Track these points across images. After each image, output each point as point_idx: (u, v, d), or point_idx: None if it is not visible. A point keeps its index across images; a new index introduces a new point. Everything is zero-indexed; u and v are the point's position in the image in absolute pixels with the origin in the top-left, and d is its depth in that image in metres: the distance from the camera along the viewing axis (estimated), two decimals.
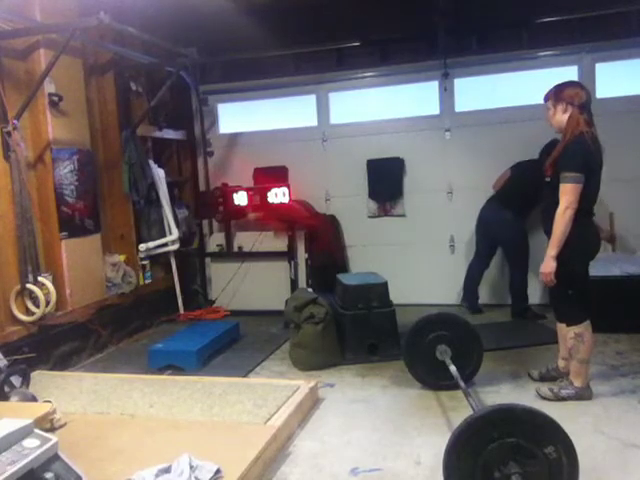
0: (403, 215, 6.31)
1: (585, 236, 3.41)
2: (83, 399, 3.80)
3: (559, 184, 3.34)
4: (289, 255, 6.17)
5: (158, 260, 6.20)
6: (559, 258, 3.35)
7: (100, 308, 5.20)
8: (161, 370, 4.55)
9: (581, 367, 3.55)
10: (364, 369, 4.41)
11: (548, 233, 3.50)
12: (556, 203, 3.35)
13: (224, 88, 6.73)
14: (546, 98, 3.53)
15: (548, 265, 3.37)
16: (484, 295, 6.08)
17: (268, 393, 3.66)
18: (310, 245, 6.21)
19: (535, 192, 4.74)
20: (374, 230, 6.39)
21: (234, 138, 6.79)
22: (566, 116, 3.41)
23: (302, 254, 6.20)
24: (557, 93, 3.46)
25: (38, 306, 4.45)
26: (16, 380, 3.66)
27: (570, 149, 3.34)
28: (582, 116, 3.37)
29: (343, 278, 5.01)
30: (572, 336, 3.50)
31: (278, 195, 5.97)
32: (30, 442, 2.36)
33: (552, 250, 3.36)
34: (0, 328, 4.34)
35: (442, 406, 3.63)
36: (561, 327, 3.71)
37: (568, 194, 3.29)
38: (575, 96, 3.39)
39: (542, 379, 3.86)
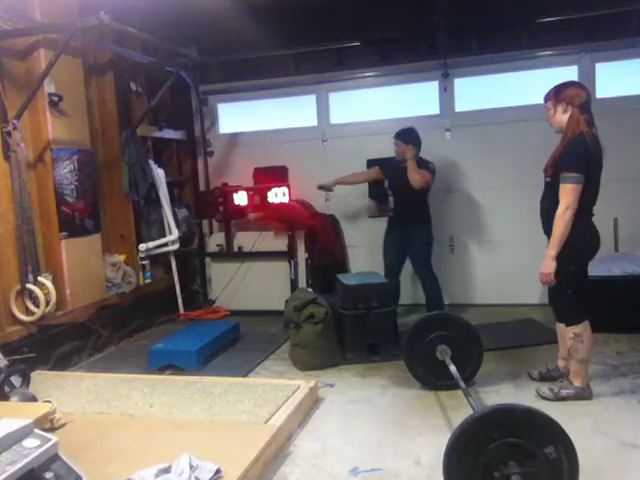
0: None
1: (584, 236, 3.40)
2: (83, 399, 3.81)
3: (559, 184, 3.34)
4: (289, 255, 6.17)
5: (158, 260, 6.19)
6: (558, 258, 3.35)
7: (100, 308, 5.20)
8: (161, 370, 4.55)
9: (581, 367, 3.55)
10: (364, 369, 4.41)
11: (547, 233, 3.50)
12: (556, 203, 3.35)
13: (224, 88, 6.73)
14: (546, 98, 3.53)
15: (548, 265, 3.37)
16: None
17: (268, 393, 3.67)
18: (310, 245, 6.21)
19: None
20: (374, 230, 6.38)
21: (234, 138, 6.79)
22: (566, 116, 3.40)
23: (302, 254, 6.20)
24: (557, 93, 3.45)
25: (38, 306, 4.45)
26: (16, 380, 3.65)
27: (571, 149, 3.34)
28: (582, 116, 3.37)
29: (343, 278, 5.01)
30: (571, 336, 3.51)
31: (278, 195, 5.97)
32: (30, 442, 2.36)
33: (552, 250, 3.36)
34: (0, 328, 4.34)
35: (442, 406, 3.63)
36: (560, 327, 3.71)
37: (568, 194, 3.29)
38: (575, 96, 3.39)
39: (542, 379, 3.86)
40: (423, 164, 5.35)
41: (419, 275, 5.55)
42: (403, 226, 5.39)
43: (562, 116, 3.42)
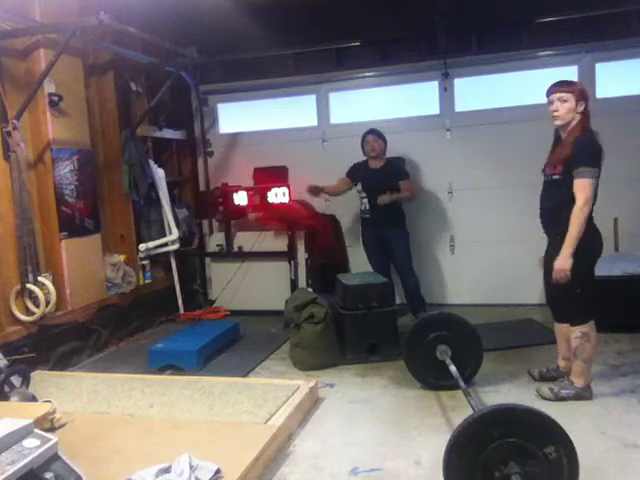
0: None
1: (591, 236, 3.40)
2: (83, 399, 3.81)
3: (568, 181, 3.33)
4: (289, 255, 6.16)
5: (158, 260, 6.19)
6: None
7: (100, 308, 5.19)
8: (161, 370, 4.55)
9: (585, 366, 3.54)
10: (364, 369, 4.41)
11: (549, 232, 3.50)
12: (563, 201, 3.34)
13: (224, 88, 6.73)
14: (565, 89, 3.43)
15: (565, 262, 3.32)
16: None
17: (268, 393, 3.67)
18: (310, 245, 6.21)
19: None
20: None
21: (234, 138, 6.79)
22: (579, 114, 3.40)
23: (302, 254, 6.20)
24: (581, 89, 3.44)
25: (38, 306, 4.45)
26: (16, 380, 3.65)
27: (584, 145, 3.33)
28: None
29: (343, 278, 5.01)
30: (578, 335, 3.49)
31: (278, 195, 5.96)
32: (30, 442, 2.36)
33: (569, 247, 3.31)
34: (0, 328, 4.35)
35: (442, 406, 3.63)
36: (560, 327, 3.71)
37: (586, 190, 3.27)
38: (589, 95, 3.44)
39: (542, 378, 3.85)
40: (400, 169, 5.52)
41: (401, 275, 5.58)
42: (378, 227, 5.44)
43: (576, 113, 3.39)
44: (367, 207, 5.48)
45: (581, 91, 3.43)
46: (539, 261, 3.78)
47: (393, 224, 5.43)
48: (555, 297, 3.67)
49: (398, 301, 5.70)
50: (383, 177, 5.39)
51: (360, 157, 5.83)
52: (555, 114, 3.43)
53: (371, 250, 5.60)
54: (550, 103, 3.46)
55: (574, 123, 3.40)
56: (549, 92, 3.48)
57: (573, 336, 3.53)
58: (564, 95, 3.40)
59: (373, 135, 5.43)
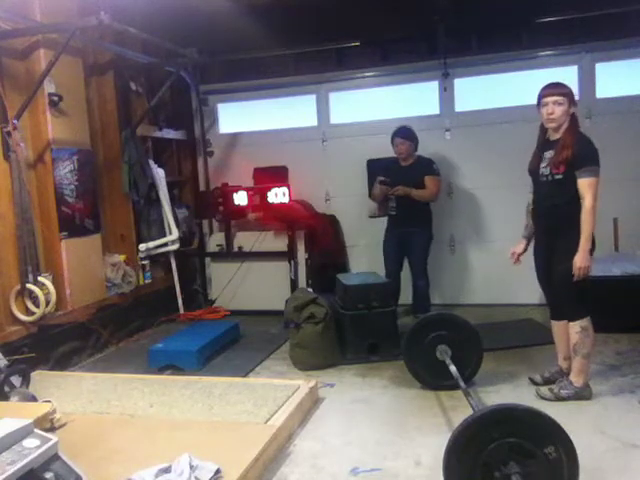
0: None
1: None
2: (83, 399, 3.81)
3: (570, 181, 3.38)
4: (289, 255, 6.17)
5: (158, 260, 6.19)
6: (573, 253, 3.37)
7: (100, 308, 5.19)
8: (161, 370, 4.55)
9: (585, 363, 3.55)
10: (364, 369, 4.41)
11: (551, 230, 3.52)
12: (567, 200, 3.40)
13: (224, 88, 6.73)
14: (555, 94, 3.47)
15: (587, 259, 3.38)
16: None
17: (268, 393, 3.67)
18: (310, 245, 6.21)
19: None
20: (374, 230, 6.37)
21: (234, 138, 6.79)
22: (569, 117, 3.48)
23: (302, 254, 6.20)
24: (572, 92, 3.51)
25: (38, 306, 4.45)
26: (16, 380, 3.66)
27: (586, 145, 3.42)
28: None
29: (343, 278, 5.01)
30: (578, 330, 3.51)
31: (278, 195, 5.97)
32: (30, 442, 2.36)
33: (588, 244, 3.38)
34: (0, 328, 4.34)
35: (442, 406, 3.63)
36: (559, 326, 3.71)
37: (593, 187, 3.36)
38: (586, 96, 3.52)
39: (546, 383, 3.79)
40: (427, 165, 5.41)
41: (413, 275, 5.58)
42: (403, 226, 5.40)
43: (567, 116, 3.47)
44: (394, 204, 5.46)
45: (572, 94, 3.52)
46: (512, 255, 3.93)
47: (416, 223, 5.39)
48: (556, 293, 3.67)
49: (404, 302, 5.71)
50: (412, 174, 5.36)
51: (360, 157, 5.85)
52: (552, 117, 3.48)
53: (389, 249, 5.56)
54: (544, 105, 3.50)
55: (566, 125, 3.47)
56: (543, 95, 3.52)
57: (573, 331, 3.54)
58: (560, 98, 3.46)
59: (400, 138, 5.37)
